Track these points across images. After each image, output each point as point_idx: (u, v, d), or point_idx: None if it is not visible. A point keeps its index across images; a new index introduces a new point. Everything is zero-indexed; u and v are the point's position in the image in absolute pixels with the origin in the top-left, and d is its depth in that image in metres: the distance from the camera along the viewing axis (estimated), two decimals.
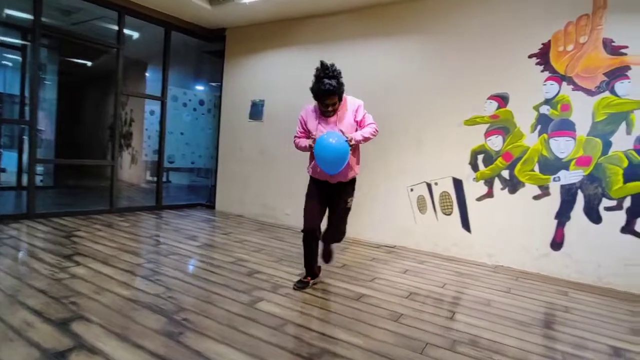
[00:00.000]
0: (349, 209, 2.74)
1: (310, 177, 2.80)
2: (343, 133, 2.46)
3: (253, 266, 3.07)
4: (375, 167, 4.27)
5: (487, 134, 3.72)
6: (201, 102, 5.83)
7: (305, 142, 2.61)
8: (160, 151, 5.28)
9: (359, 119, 2.59)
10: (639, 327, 2.44)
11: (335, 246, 2.94)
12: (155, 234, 3.90)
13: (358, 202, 4.30)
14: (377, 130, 2.60)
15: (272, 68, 5.10)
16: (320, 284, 2.79)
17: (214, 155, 5.73)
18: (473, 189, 3.81)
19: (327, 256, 2.87)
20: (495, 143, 3.68)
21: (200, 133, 5.89)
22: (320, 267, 2.85)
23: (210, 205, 5.74)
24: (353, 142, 2.46)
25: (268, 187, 5.14)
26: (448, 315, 2.40)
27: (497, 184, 3.70)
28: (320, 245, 2.80)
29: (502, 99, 3.65)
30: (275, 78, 5.07)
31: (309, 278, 2.75)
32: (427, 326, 2.22)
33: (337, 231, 2.80)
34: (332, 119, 2.56)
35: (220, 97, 5.60)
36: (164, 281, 2.58)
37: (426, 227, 4.02)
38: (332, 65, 2.44)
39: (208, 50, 6.06)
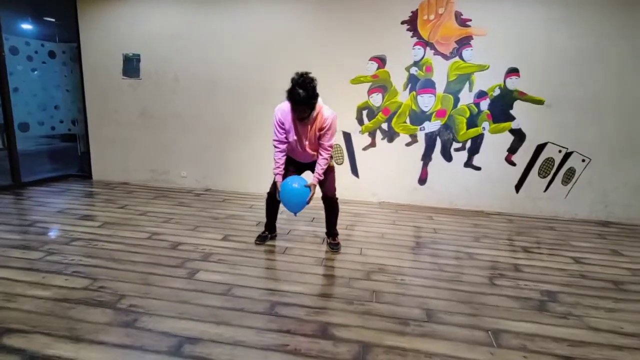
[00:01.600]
0: (332, 169, 2.87)
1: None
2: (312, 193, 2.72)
3: (172, 238, 3.07)
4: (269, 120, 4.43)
5: (370, 91, 4.25)
6: (51, 54, 4.82)
7: (277, 171, 2.78)
8: (6, 116, 4.30)
9: (321, 133, 2.64)
10: (479, 235, 3.46)
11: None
12: (35, 219, 3.40)
13: (253, 156, 4.52)
14: (330, 156, 2.74)
15: (145, 17, 4.52)
16: (246, 244, 3.01)
17: (82, 119, 4.96)
18: (359, 140, 4.39)
19: (335, 245, 2.98)
20: (376, 100, 4.25)
21: (57, 94, 4.95)
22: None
23: (85, 175, 5.08)
24: (315, 185, 2.74)
25: (156, 150, 4.83)
26: (357, 252, 2.96)
27: (378, 135, 4.34)
28: (327, 239, 3.05)
29: (381, 60, 4.17)
30: (151, 29, 4.54)
31: (267, 232, 3.07)
32: (345, 264, 2.72)
33: (329, 199, 2.87)
34: (306, 121, 2.61)
35: (78, 49, 4.73)
36: (85, 272, 2.43)
37: None
38: (306, 74, 2.43)
39: None
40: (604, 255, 3.11)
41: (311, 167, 2.87)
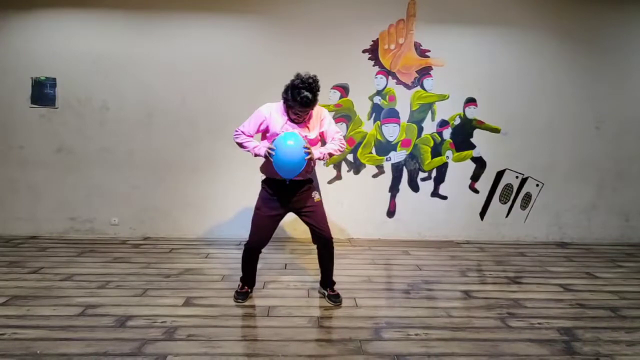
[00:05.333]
0: (320, 203, 2.49)
1: (263, 183, 2.45)
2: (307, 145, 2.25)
3: (116, 311, 2.35)
4: (221, 154, 3.92)
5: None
6: None
7: (259, 149, 2.33)
8: None
9: (324, 129, 2.39)
10: (462, 269, 3.30)
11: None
12: None
13: (201, 193, 3.92)
14: (343, 145, 2.44)
15: (63, 35, 3.77)
16: (217, 308, 2.43)
17: None
18: (324, 173, 4.07)
19: (336, 297, 2.54)
20: (341, 129, 4.01)
21: None
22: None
23: None
24: (314, 158, 2.30)
25: (77, 193, 3.94)
26: (352, 303, 2.56)
27: (344, 166, 4.08)
28: (323, 291, 2.61)
29: (343, 89, 3.97)
30: (70, 50, 3.78)
31: (247, 288, 2.55)
32: (345, 322, 2.30)
33: (325, 241, 2.46)
34: (300, 125, 2.32)
35: None
36: None
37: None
38: (314, 76, 2.23)
39: None
40: (583, 279, 3.14)
41: (297, 192, 2.41)
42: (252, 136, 2.43)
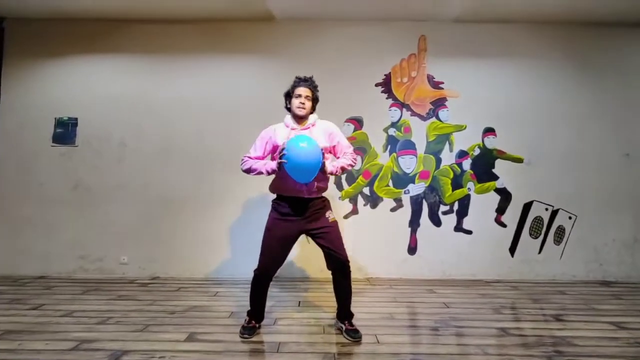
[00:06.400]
0: (335, 224, 2.33)
1: (274, 202, 2.33)
2: (324, 156, 2.20)
3: (111, 345, 2.14)
4: (233, 192, 3.84)
5: None
6: None
7: (270, 164, 2.26)
8: None
9: (334, 143, 2.36)
10: (497, 307, 2.96)
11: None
12: None
13: (213, 233, 3.79)
14: (355, 160, 2.40)
15: (86, 78, 3.96)
16: (221, 343, 2.18)
17: None
18: (340, 207, 3.91)
19: (355, 332, 2.27)
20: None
21: None
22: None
23: None
24: (328, 171, 2.25)
25: (88, 231, 3.88)
26: (372, 340, 2.28)
27: (360, 200, 3.92)
28: (341, 326, 2.35)
29: (357, 122, 3.94)
30: (92, 91, 3.95)
31: (254, 322, 2.32)
32: (366, 359, 2.02)
33: (341, 264, 2.29)
34: (306, 133, 2.28)
35: None
36: None
37: (298, 252, 3.86)
38: (312, 76, 2.42)
39: None
40: (637, 317, 2.75)
41: (310, 212, 2.28)
42: (261, 158, 2.37)
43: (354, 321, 2.35)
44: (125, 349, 2.10)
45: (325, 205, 2.35)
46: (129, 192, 3.90)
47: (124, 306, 2.87)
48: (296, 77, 2.40)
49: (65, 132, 3.91)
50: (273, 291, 3.19)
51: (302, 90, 2.33)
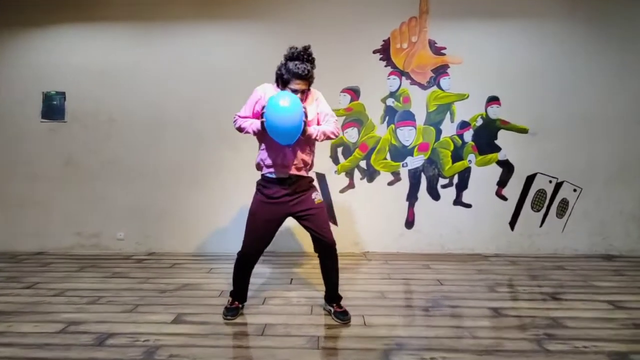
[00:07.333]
0: (321, 206, 2.24)
1: (258, 184, 2.25)
2: (306, 115, 2.04)
3: (98, 328, 2.14)
4: (230, 164, 3.75)
5: (344, 126, 3.77)
6: None
7: (255, 124, 2.13)
8: None
9: (319, 110, 2.20)
10: (492, 284, 2.91)
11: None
12: None
13: (210, 208, 3.74)
14: (338, 130, 2.23)
15: (72, 50, 3.80)
16: (207, 325, 2.18)
17: None
18: (336, 181, 3.81)
19: (344, 314, 2.23)
20: (352, 135, 3.77)
21: None
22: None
23: None
24: (308, 133, 2.08)
25: (83, 207, 3.86)
26: (359, 321, 2.25)
27: (356, 174, 3.81)
28: (329, 308, 2.31)
29: (354, 92, 3.75)
30: (78, 64, 3.80)
31: (237, 303, 2.29)
32: (350, 342, 1.99)
33: (327, 247, 2.20)
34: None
35: None
36: None
37: (295, 227, 3.81)
38: (308, 46, 2.14)
39: None
40: (637, 295, 2.67)
41: (295, 193, 2.19)
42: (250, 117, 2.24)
43: (343, 302, 2.32)
44: (112, 331, 2.10)
45: (311, 186, 2.25)
46: (121, 167, 3.84)
47: (116, 284, 2.89)
48: (290, 52, 2.13)
49: (54, 107, 3.80)
50: (265, 269, 3.19)
51: (299, 85, 2.10)
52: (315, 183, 2.35)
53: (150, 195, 3.84)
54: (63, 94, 3.80)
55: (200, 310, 2.40)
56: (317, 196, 2.24)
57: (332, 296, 2.30)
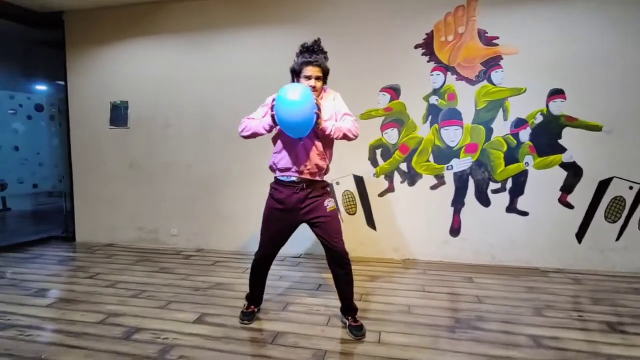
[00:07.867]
0: (334, 213, 2.18)
1: (270, 191, 2.26)
2: (319, 108, 2.00)
3: (130, 322, 2.35)
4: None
5: (383, 127, 3.61)
6: (38, 108, 4.52)
7: (264, 122, 2.11)
8: None
9: (336, 109, 2.18)
10: (539, 306, 2.56)
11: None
12: None
13: (252, 208, 3.86)
14: (357, 129, 2.13)
15: (133, 62, 4.19)
16: (224, 328, 2.26)
17: (67, 174, 4.53)
18: (374, 185, 3.68)
19: (358, 329, 2.16)
20: (392, 136, 3.60)
21: (44, 147, 4.59)
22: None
23: (68, 237, 4.55)
24: (322, 127, 2.02)
25: (143, 205, 4.27)
26: (374, 337, 2.14)
27: (396, 177, 3.63)
28: (344, 320, 2.26)
29: (394, 91, 3.56)
30: (138, 74, 4.18)
31: (253, 307, 2.37)
32: None
33: (339, 257, 2.14)
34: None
35: (66, 100, 4.41)
36: None
37: None
38: (319, 40, 2.21)
39: (42, 40, 4.74)
40: None
41: (308, 198, 2.14)
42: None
43: (362, 314, 2.23)
44: (141, 326, 2.30)
45: (324, 192, 2.19)
46: (176, 169, 4.15)
47: (160, 279, 3.14)
48: (301, 47, 2.20)
49: (119, 115, 4.25)
50: (295, 272, 3.21)
51: (311, 71, 2.11)
52: (330, 188, 2.28)
53: (199, 195, 4.10)
54: (126, 102, 4.22)
55: (223, 311, 2.50)
56: (329, 203, 2.17)
57: (347, 308, 2.23)
